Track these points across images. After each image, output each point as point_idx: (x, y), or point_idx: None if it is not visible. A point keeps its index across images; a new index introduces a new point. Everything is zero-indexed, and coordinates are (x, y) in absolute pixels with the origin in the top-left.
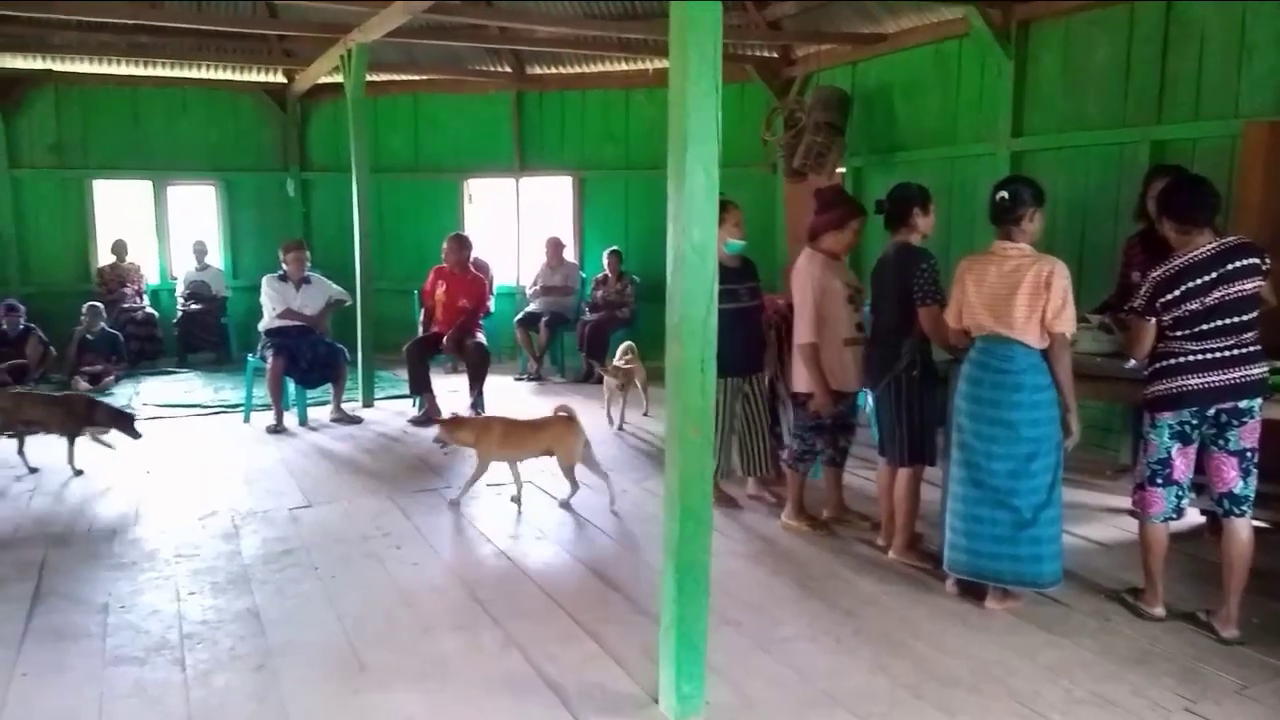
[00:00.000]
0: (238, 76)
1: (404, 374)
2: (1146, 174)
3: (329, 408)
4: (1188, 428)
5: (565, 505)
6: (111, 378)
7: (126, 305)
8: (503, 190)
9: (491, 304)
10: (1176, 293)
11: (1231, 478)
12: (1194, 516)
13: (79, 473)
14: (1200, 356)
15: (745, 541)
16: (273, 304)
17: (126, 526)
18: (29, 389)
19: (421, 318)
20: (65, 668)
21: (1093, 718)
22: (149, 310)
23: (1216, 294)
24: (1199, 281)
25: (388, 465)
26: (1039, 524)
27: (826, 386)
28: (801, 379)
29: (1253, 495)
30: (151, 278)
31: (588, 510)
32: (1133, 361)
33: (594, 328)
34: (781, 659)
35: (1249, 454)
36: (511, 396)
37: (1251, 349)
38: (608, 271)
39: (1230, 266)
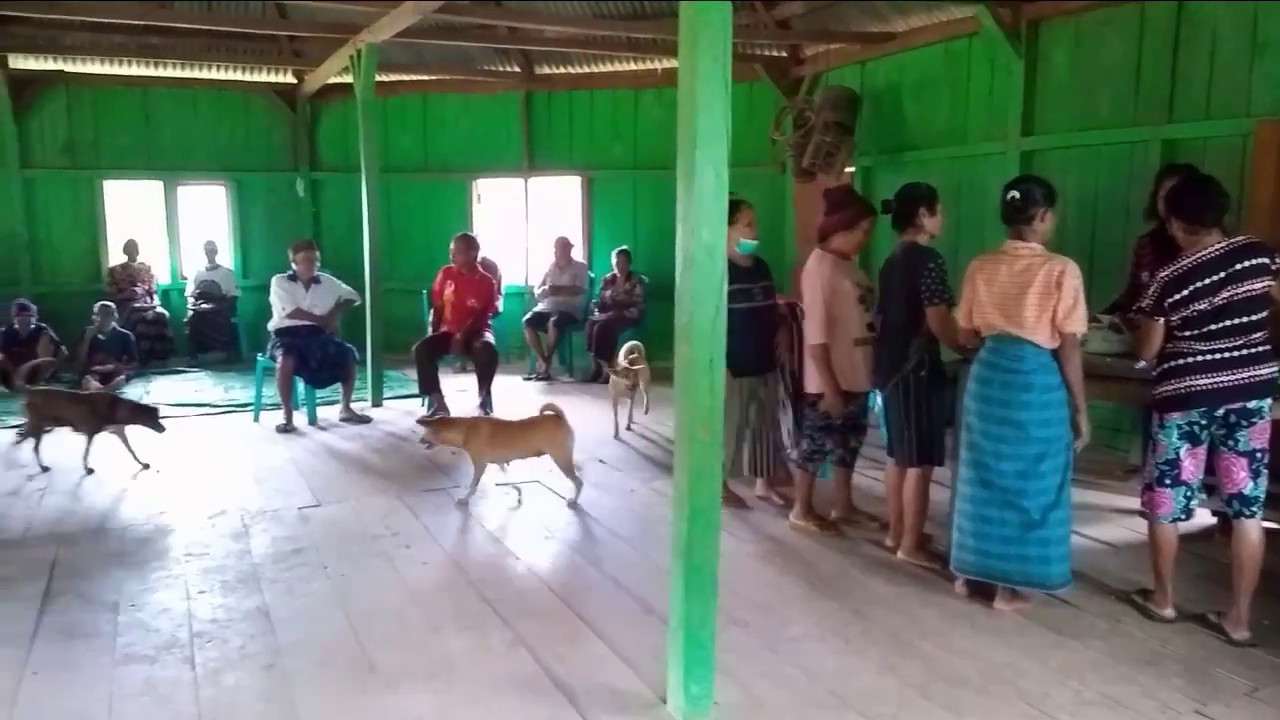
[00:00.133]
0: (248, 77)
1: (413, 374)
2: (1158, 173)
3: (338, 407)
4: (1196, 428)
5: (574, 505)
6: (122, 377)
7: (137, 305)
8: (511, 190)
9: (500, 304)
10: (1184, 293)
11: (1241, 478)
12: (1205, 517)
13: (90, 471)
14: (1209, 357)
15: (754, 542)
16: (282, 304)
17: (137, 525)
18: (51, 387)
19: (430, 318)
20: (76, 666)
21: (1102, 719)
22: (159, 310)
23: (1225, 294)
24: (1207, 281)
25: (396, 465)
26: (1048, 525)
27: (836, 387)
28: (812, 379)
29: (1263, 496)
30: (162, 277)
31: (596, 510)
32: (1143, 362)
33: (602, 327)
34: (790, 659)
35: (1259, 455)
36: (520, 396)
37: (1261, 349)
38: (616, 271)
39: (1239, 266)
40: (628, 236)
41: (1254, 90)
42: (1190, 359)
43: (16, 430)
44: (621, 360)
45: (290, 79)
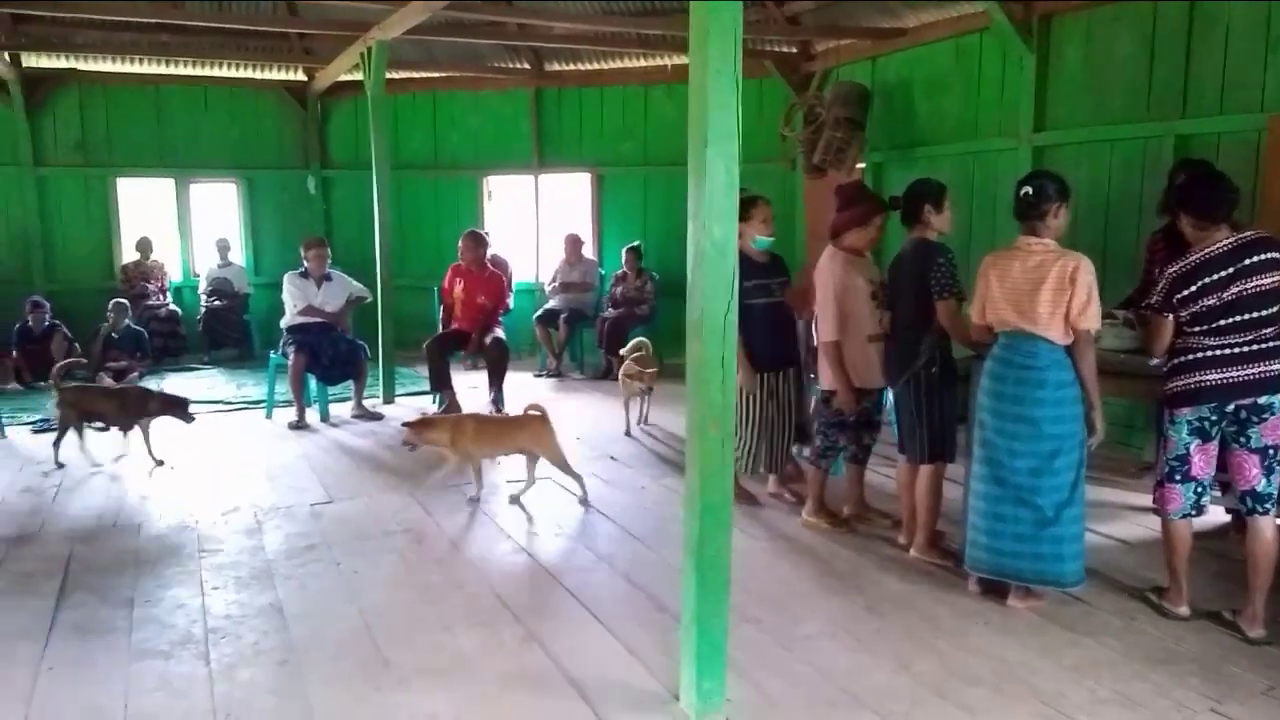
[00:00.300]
0: (259, 75)
1: (424, 371)
2: (1172, 168)
3: (350, 404)
4: (1207, 424)
5: (585, 503)
6: (135, 374)
7: (150, 302)
8: (522, 187)
9: (510, 300)
10: (1193, 288)
11: (1253, 475)
12: (1220, 515)
13: (160, 462)
14: (1219, 352)
15: (766, 539)
16: (294, 301)
17: (151, 522)
18: (83, 384)
19: (441, 315)
20: (91, 662)
21: (1117, 718)
22: (172, 307)
23: (1234, 289)
24: (1216, 277)
25: (408, 462)
26: (1061, 522)
27: (849, 384)
28: (825, 376)
29: (1276, 493)
30: (174, 275)
31: (607, 507)
32: (1156, 359)
33: (613, 324)
34: (802, 657)
35: (1271, 451)
36: (531, 393)
37: (1272, 344)
38: (626, 268)
39: (1248, 261)
40: (638, 233)
41: (1268, 85)
42: (1200, 354)
43: (31, 426)
44: (628, 355)
45: (301, 77)
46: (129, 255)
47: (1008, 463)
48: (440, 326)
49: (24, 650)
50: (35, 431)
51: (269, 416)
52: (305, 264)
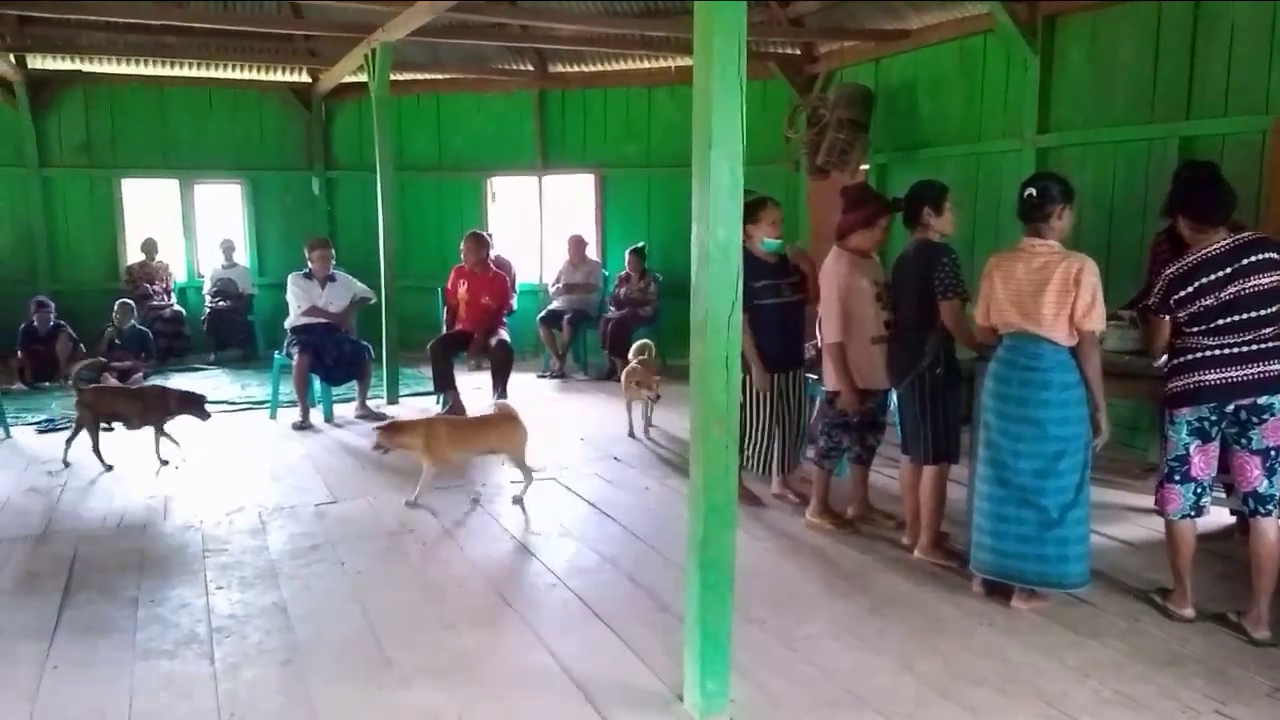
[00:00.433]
0: (263, 76)
1: (428, 371)
2: (1176, 170)
3: (354, 404)
4: (1206, 424)
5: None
6: (140, 374)
7: (155, 303)
8: (525, 188)
9: (514, 301)
10: (1190, 289)
11: (1255, 477)
12: (1225, 517)
13: (165, 462)
14: (1217, 352)
15: (769, 539)
16: (298, 301)
17: (155, 521)
18: (103, 384)
19: (445, 316)
20: (96, 661)
21: (1121, 719)
22: (176, 308)
23: (1232, 289)
24: (1213, 277)
25: (412, 462)
26: (1066, 524)
27: (852, 385)
28: (829, 377)
29: (1278, 494)
30: (179, 275)
31: (611, 508)
32: (1160, 359)
33: (617, 325)
34: (806, 657)
35: (1272, 452)
36: (534, 394)
37: (1271, 344)
38: (630, 270)
39: (1245, 261)
40: (641, 234)
41: (1272, 87)
42: (1199, 354)
43: (36, 426)
44: (631, 358)
45: (305, 78)
46: (134, 256)
47: (1012, 464)
48: (444, 327)
49: (29, 649)
50: (40, 431)
51: (273, 417)
52: (309, 265)
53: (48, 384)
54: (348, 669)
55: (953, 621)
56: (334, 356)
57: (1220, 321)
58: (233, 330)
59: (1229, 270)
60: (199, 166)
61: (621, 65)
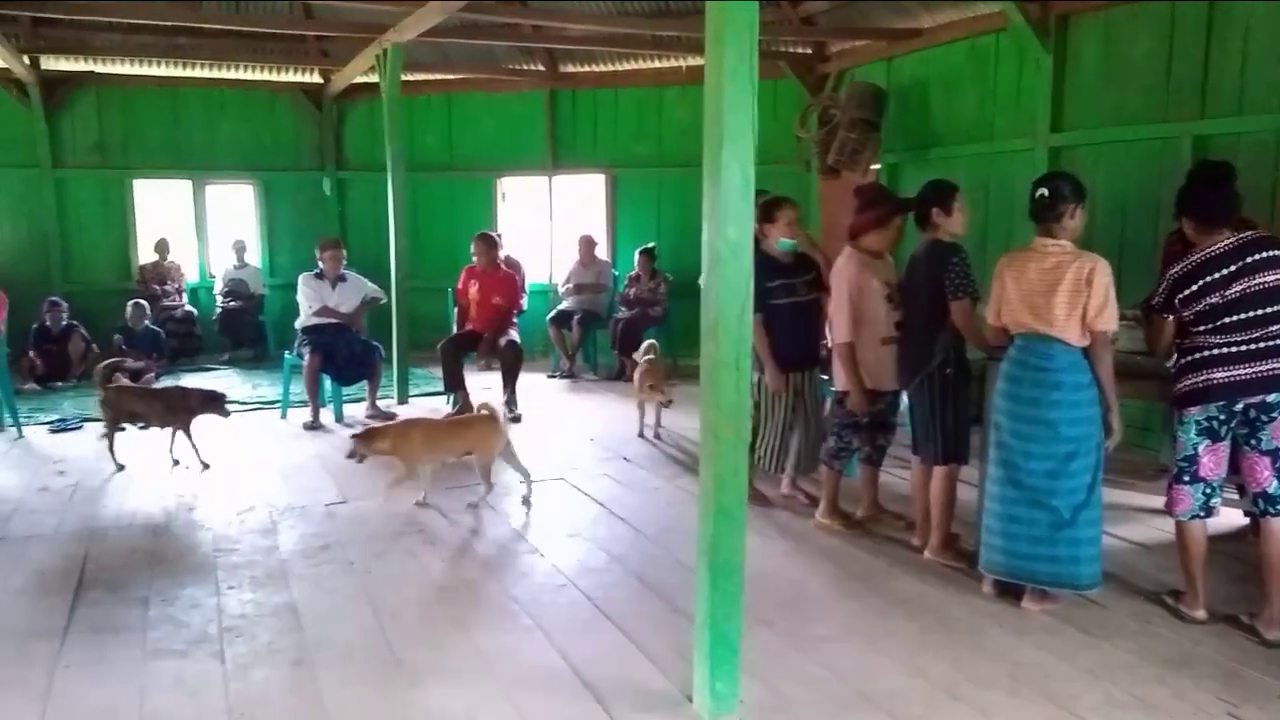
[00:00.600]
0: (275, 77)
1: (438, 371)
2: (1190, 170)
3: (364, 404)
4: (1215, 423)
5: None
6: (152, 374)
7: (167, 303)
8: (536, 188)
9: (524, 302)
10: (1194, 287)
11: (1265, 477)
12: (1238, 518)
13: (177, 462)
14: (1224, 350)
15: (779, 540)
16: (309, 302)
17: (166, 521)
18: (122, 384)
19: (456, 316)
20: (107, 660)
21: None
22: (188, 308)
23: (1237, 287)
24: (1217, 276)
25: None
26: (1078, 525)
27: (862, 385)
28: (839, 377)
29: None
30: (191, 276)
31: (620, 508)
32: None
33: (626, 325)
34: (816, 658)
35: None
36: (544, 394)
37: (1277, 342)
38: (639, 270)
39: (1250, 259)
40: (651, 234)
41: None
42: (1206, 353)
43: (48, 426)
44: (639, 359)
45: (317, 79)
46: (146, 256)
47: (1024, 465)
48: (455, 327)
49: (41, 648)
50: (52, 431)
51: (284, 417)
52: (320, 265)
53: (60, 384)
54: (358, 669)
55: (963, 622)
56: (345, 356)
57: (1226, 319)
58: (244, 330)
59: (1234, 268)
60: (211, 167)
61: (632, 65)
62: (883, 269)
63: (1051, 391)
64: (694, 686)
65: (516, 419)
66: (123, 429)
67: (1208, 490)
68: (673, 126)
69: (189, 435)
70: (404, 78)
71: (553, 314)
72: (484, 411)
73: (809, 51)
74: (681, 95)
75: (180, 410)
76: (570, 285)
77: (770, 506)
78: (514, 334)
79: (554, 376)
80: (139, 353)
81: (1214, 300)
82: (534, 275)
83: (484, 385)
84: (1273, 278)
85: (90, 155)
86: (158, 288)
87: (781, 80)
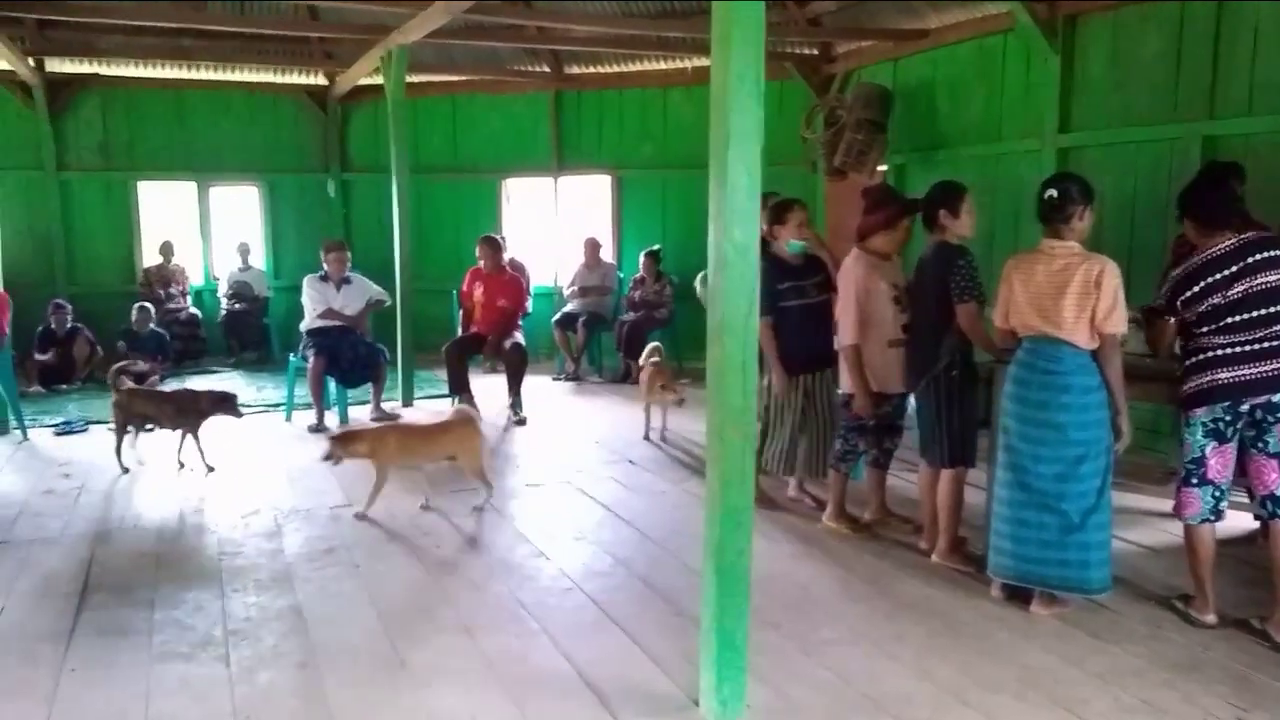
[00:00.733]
0: (279, 79)
1: (443, 374)
2: (1201, 170)
3: (369, 407)
4: (1221, 424)
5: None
6: (156, 377)
7: (171, 305)
8: (541, 190)
9: (529, 304)
10: (1196, 289)
11: (1273, 480)
12: (1248, 521)
13: (211, 469)
14: (1228, 350)
15: (786, 543)
16: (314, 304)
17: (171, 524)
18: (133, 386)
19: (460, 318)
20: (113, 663)
21: None
22: (192, 310)
23: (1239, 287)
24: (1219, 276)
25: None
26: (1087, 529)
27: (867, 388)
28: (845, 379)
29: None
30: (195, 278)
31: (626, 511)
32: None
33: (632, 328)
34: (823, 662)
35: None
36: (549, 397)
37: None
38: (644, 272)
39: (1252, 259)
40: (657, 236)
41: None
42: (1210, 353)
43: (53, 429)
44: (643, 360)
45: (321, 81)
46: (151, 259)
47: (1032, 468)
48: (459, 330)
49: (46, 651)
50: (57, 434)
51: (288, 419)
52: (325, 267)
53: (65, 386)
54: (363, 672)
55: (971, 626)
56: (349, 359)
57: (1229, 320)
58: (248, 332)
59: (1235, 269)
60: (215, 169)
61: (637, 66)
62: (890, 271)
63: (1060, 395)
64: (700, 690)
65: (521, 421)
66: (129, 431)
67: (1216, 493)
68: (678, 128)
69: (196, 438)
70: (408, 79)
71: (558, 316)
72: (464, 417)
73: (815, 52)
74: (687, 96)
75: (190, 413)
76: (575, 287)
77: (777, 510)
78: (519, 336)
79: (559, 379)
80: (144, 355)
81: (1216, 301)
82: (539, 278)
83: (489, 388)
84: (1274, 277)
85: (95, 157)
86: (162, 291)
87: (787, 81)
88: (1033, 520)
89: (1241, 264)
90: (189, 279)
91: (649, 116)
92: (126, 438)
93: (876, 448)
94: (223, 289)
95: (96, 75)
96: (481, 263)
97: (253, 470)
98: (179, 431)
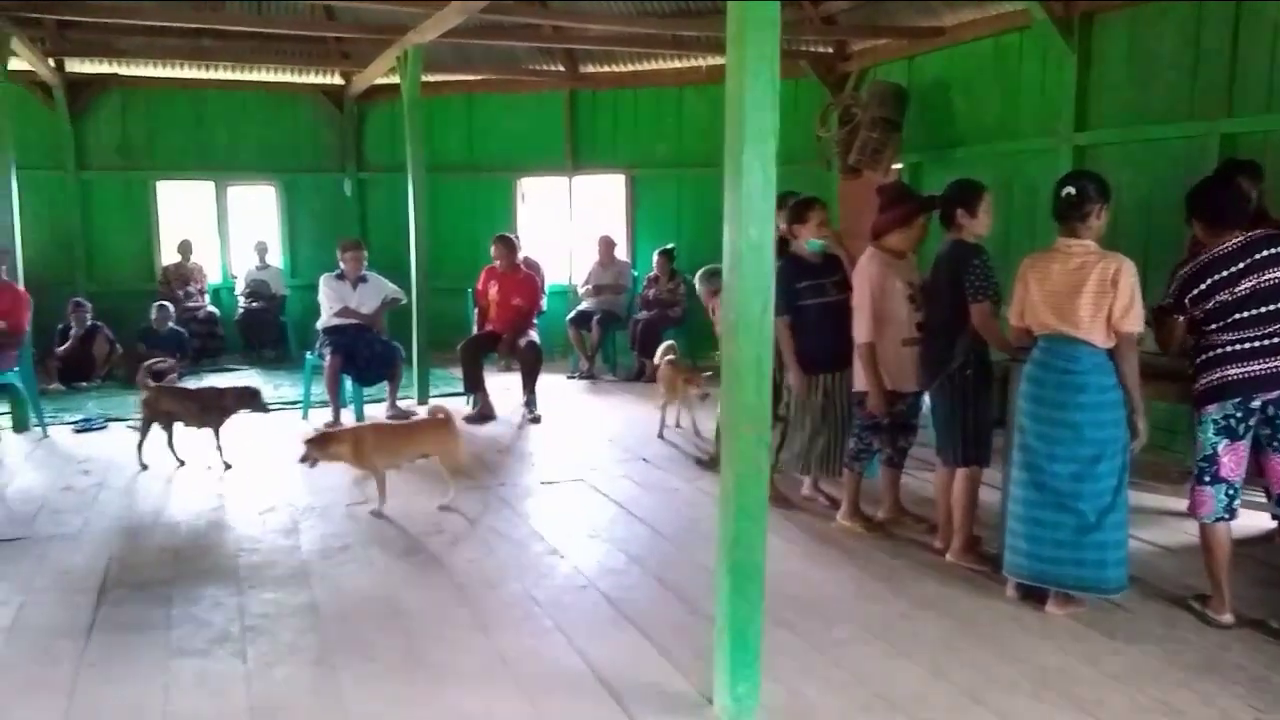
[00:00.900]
0: (296, 79)
1: (458, 372)
2: (1218, 168)
3: (385, 405)
4: (1233, 421)
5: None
6: (175, 375)
7: (190, 304)
8: (556, 189)
9: (544, 302)
10: (1204, 286)
11: None
12: (1265, 520)
13: (229, 466)
14: (1238, 346)
15: (800, 542)
16: (330, 302)
17: (189, 520)
18: (164, 384)
19: (476, 317)
20: (131, 658)
21: None
22: (210, 309)
23: (1247, 284)
24: (1226, 273)
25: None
26: (1103, 528)
27: (881, 387)
28: (859, 378)
29: None
30: (213, 276)
31: (640, 509)
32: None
33: (646, 326)
34: (836, 662)
35: None
36: (563, 395)
37: None
38: (658, 271)
39: (1258, 256)
40: (671, 235)
41: None
42: (1220, 350)
43: (73, 426)
44: (658, 360)
45: (338, 80)
46: (169, 257)
47: (1048, 468)
48: (475, 328)
49: (65, 646)
50: (77, 431)
51: (305, 417)
52: (341, 266)
53: (84, 384)
54: (378, 669)
55: (986, 626)
56: (365, 357)
57: (1237, 316)
58: (265, 331)
59: (1242, 265)
60: (233, 169)
61: (652, 65)
62: (905, 269)
63: (1076, 394)
64: (714, 689)
65: (536, 420)
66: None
67: (1230, 491)
68: (693, 127)
69: (217, 435)
70: (424, 79)
71: (572, 315)
72: (439, 415)
73: (830, 50)
74: (701, 95)
75: (214, 410)
76: (590, 286)
77: (791, 508)
78: (533, 335)
79: (573, 377)
80: (162, 353)
81: (1224, 298)
82: (553, 276)
83: (503, 386)
84: None
85: (114, 157)
86: (180, 290)
87: (802, 79)
88: (1049, 520)
89: (1249, 260)
90: (207, 277)
91: (664, 115)
92: (160, 436)
93: (890, 446)
94: (240, 287)
95: (116, 76)
96: (497, 261)
97: (270, 468)
98: (205, 429)
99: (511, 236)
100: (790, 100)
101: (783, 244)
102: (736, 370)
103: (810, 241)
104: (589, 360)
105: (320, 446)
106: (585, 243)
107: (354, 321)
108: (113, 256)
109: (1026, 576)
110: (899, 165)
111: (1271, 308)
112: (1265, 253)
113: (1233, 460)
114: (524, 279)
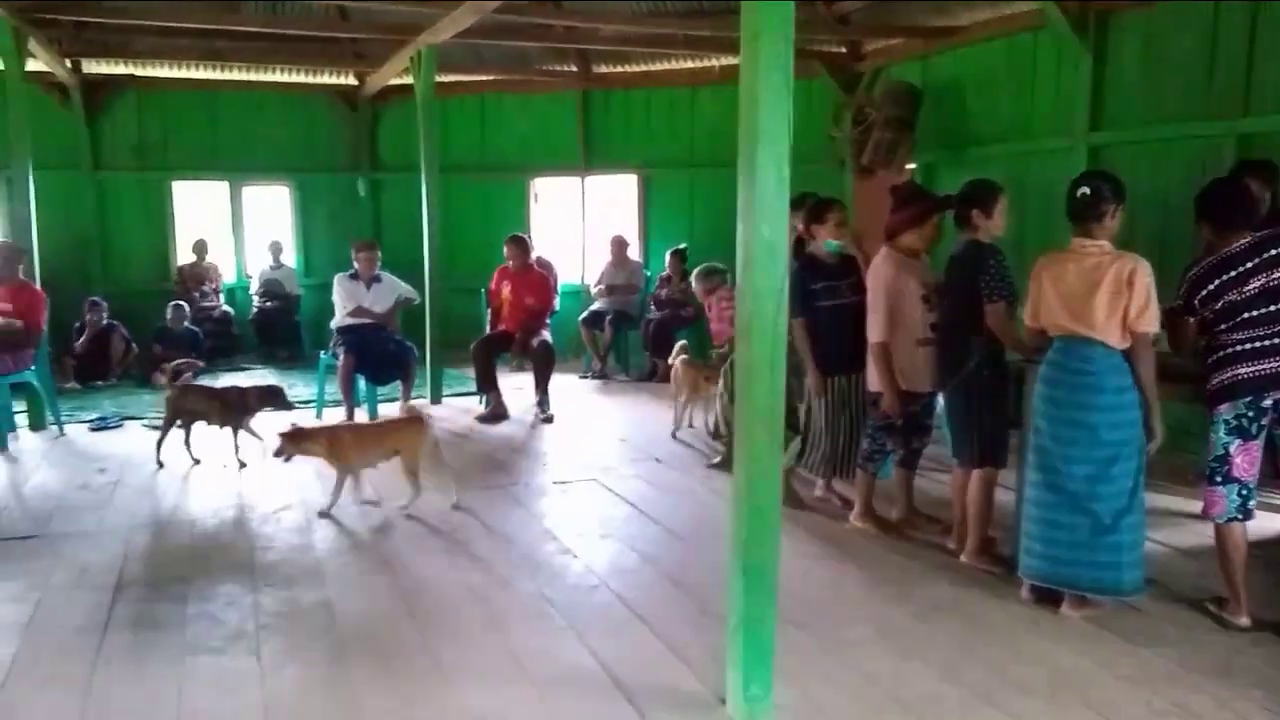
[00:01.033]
0: (310, 79)
1: (471, 372)
2: (1233, 169)
3: (398, 404)
4: (1245, 420)
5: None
6: (190, 374)
7: (204, 304)
8: (568, 189)
9: (556, 302)
10: (1212, 286)
11: None
12: None
13: (243, 465)
14: (1248, 345)
15: (813, 542)
16: (344, 302)
17: (204, 519)
18: (188, 383)
19: (489, 316)
20: (146, 656)
21: None
22: (225, 308)
23: (1255, 283)
24: (1234, 273)
25: (455, 461)
26: (1120, 530)
27: (896, 387)
28: (872, 378)
29: None
30: (228, 276)
31: (653, 509)
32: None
33: (658, 326)
34: (850, 662)
35: None
36: (576, 395)
37: None
38: (670, 271)
39: (1266, 255)
40: (684, 235)
41: None
42: (1231, 349)
43: (89, 424)
44: (672, 360)
45: (352, 81)
46: (185, 257)
47: (1063, 469)
48: (487, 328)
49: (80, 643)
50: (93, 429)
51: (319, 416)
52: (355, 266)
53: (100, 383)
54: (392, 667)
55: (1000, 628)
56: (379, 356)
57: (1246, 315)
58: (280, 330)
59: (1251, 265)
60: (248, 169)
61: (665, 65)
62: (920, 269)
63: (1092, 395)
64: (727, 689)
65: (549, 419)
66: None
67: (1243, 491)
68: (705, 126)
69: (235, 434)
70: (438, 79)
71: (585, 315)
72: (412, 414)
73: (843, 50)
74: (715, 95)
75: (237, 409)
76: (602, 286)
77: (804, 509)
78: (546, 335)
79: (586, 377)
80: (178, 352)
81: (1232, 297)
82: (566, 276)
83: (516, 385)
84: None
85: (130, 157)
86: (196, 290)
87: (816, 79)
88: (1064, 521)
89: (1256, 260)
90: (222, 277)
91: (676, 116)
92: (180, 434)
93: (904, 447)
94: (255, 287)
95: (132, 76)
96: (509, 261)
97: (284, 466)
98: (226, 428)
99: (524, 237)
100: (803, 100)
101: (799, 245)
102: (750, 370)
103: (827, 243)
104: (601, 360)
105: (295, 442)
106: (598, 243)
107: (368, 321)
108: (128, 256)
109: (1042, 578)
110: (912, 165)
111: None
112: (1273, 252)
113: (1245, 460)
114: (536, 279)
